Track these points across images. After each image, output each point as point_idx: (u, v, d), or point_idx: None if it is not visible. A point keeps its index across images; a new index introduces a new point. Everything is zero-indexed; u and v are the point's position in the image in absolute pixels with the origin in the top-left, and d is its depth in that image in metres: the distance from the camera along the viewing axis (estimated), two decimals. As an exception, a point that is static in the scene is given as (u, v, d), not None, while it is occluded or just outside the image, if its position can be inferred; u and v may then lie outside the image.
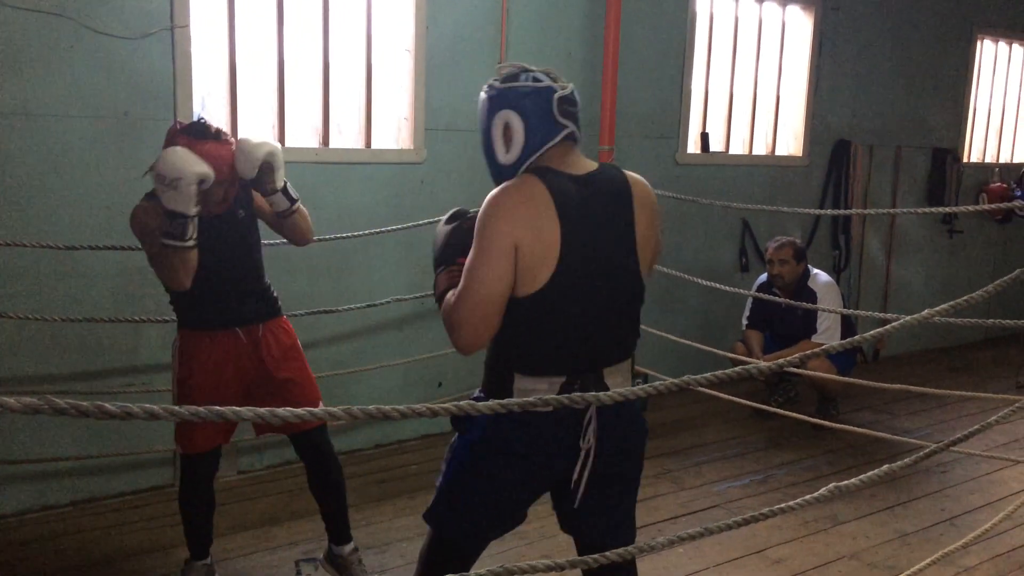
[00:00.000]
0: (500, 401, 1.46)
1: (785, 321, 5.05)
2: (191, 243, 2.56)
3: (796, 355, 1.78)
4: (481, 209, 1.94)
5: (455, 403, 1.37)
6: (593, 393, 1.55)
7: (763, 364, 1.69)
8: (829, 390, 5.05)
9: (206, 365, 2.83)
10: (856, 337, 1.94)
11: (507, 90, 1.98)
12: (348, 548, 3.09)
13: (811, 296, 4.93)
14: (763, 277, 5.19)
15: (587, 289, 1.98)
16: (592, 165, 2.05)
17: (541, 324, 1.97)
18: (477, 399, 2.06)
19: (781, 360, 1.72)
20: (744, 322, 5.24)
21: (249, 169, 2.67)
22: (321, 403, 2.98)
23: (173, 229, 2.53)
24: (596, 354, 2.03)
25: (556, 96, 1.97)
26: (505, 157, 1.99)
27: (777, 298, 4.82)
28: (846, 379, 4.65)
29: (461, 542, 2.13)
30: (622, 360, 2.08)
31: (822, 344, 4.84)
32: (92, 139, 3.55)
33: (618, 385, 2.04)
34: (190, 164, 2.48)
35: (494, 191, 1.94)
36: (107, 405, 1.07)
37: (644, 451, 2.19)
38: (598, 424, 2.01)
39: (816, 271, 5.13)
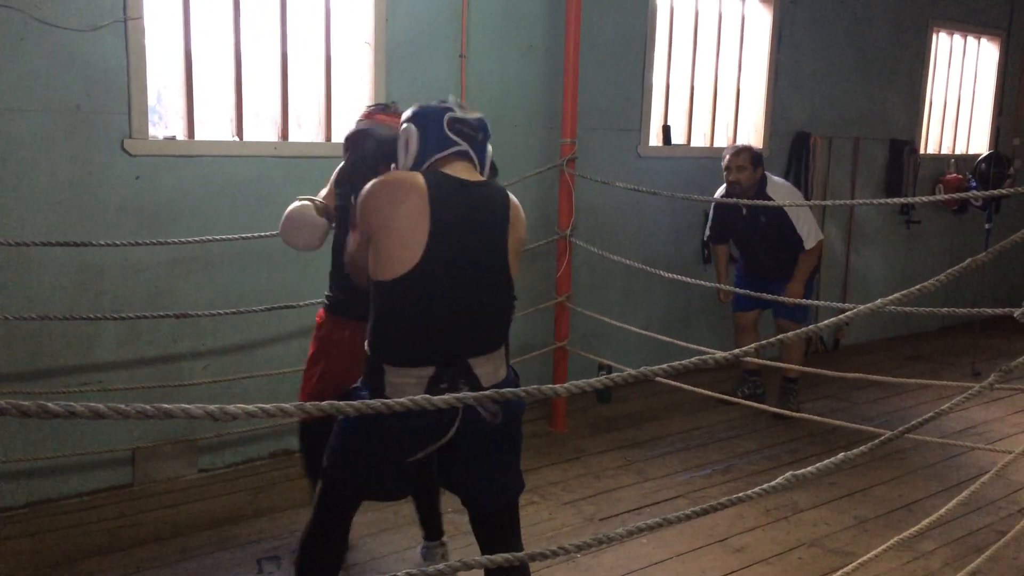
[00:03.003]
0: (456, 395, 1.45)
1: (753, 226, 4.98)
2: None
3: (753, 345, 1.79)
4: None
5: (410, 398, 1.36)
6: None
7: (719, 355, 1.70)
8: (794, 364, 5.04)
9: (339, 354, 2.90)
10: (801, 329, 1.96)
11: (416, 110, 2.33)
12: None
13: (771, 207, 4.83)
14: (721, 189, 5.11)
15: (453, 283, 2.18)
16: (480, 179, 2.33)
17: (406, 313, 2.18)
18: (356, 391, 2.29)
19: (737, 351, 1.73)
20: (707, 232, 5.22)
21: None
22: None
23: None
24: (462, 347, 2.21)
25: (447, 116, 2.30)
26: (403, 162, 2.32)
27: (742, 216, 4.87)
28: (807, 369, 4.70)
29: (340, 494, 2.35)
30: (492, 350, 2.26)
31: (811, 252, 4.92)
32: (43, 133, 3.47)
33: (489, 373, 2.24)
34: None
35: (378, 177, 2.26)
36: (49, 404, 1.05)
37: (520, 416, 2.37)
38: (465, 408, 2.16)
39: (773, 177, 5.06)
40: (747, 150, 4.94)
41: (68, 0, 3.45)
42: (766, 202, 4.71)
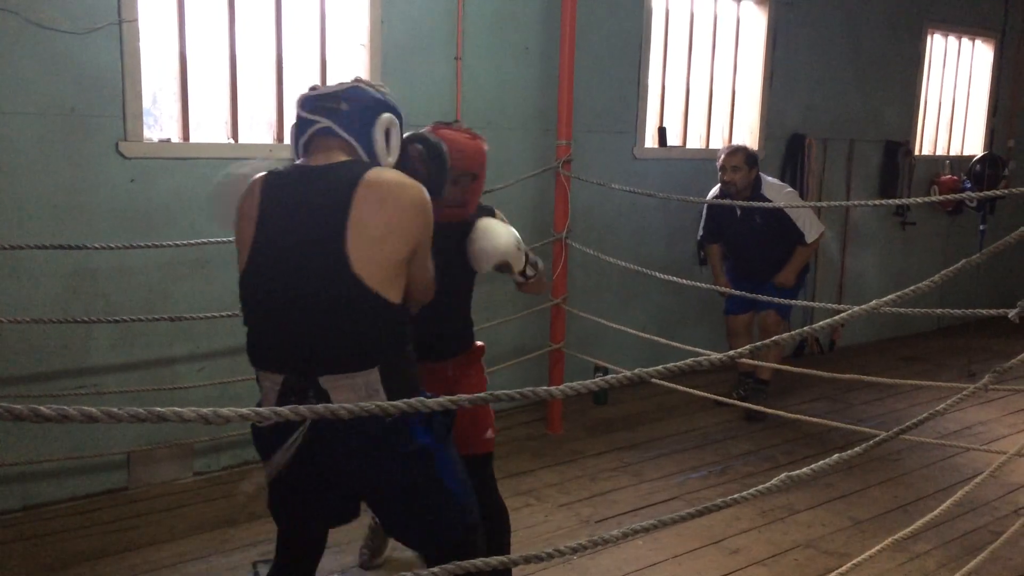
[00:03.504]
0: (453, 397, 1.44)
1: (746, 227, 4.96)
2: None
3: (748, 347, 1.79)
4: None
5: (405, 401, 1.36)
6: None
7: (715, 356, 1.70)
8: (769, 364, 4.98)
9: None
10: (795, 331, 1.96)
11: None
12: None
13: (766, 208, 4.84)
14: (714, 190, 5.10)
15: (277, 282, 2.02)
16: (336, 159, 2.08)
17: (248, 315, 2.10)
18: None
19: (732, 352, 1.73)
20: (700, 232, 5.21)
21: (483, 265, 2.53)
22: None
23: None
24: (309, 357, 1.98)
25: (301, 97, 2.13)
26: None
27: (736, 218, 4.89)
28: (799, 370, 4.69)
29: (281, 527, 2.28)
30: (350, 371, 1.97)
31: (810, 245, 4.97)
32: (38, 136, 3.46)
33: (345, 401, 1.93)
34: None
35: None
36: (42, 408, 1.04)
37: (405, 476, 2.08)
38: (317, 439, 1.97)
39: (767, 178, 5.07)
40: (742, 150, 4.94)
41: (63, 2, 3.44)
42: (764, 204, 4.72)
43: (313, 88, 2.14)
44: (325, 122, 2.08)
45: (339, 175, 2.02)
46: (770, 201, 4.85)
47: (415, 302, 2.17)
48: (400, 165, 2.16)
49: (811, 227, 4.96)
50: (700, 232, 5.27)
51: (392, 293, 2.00)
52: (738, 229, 5.03)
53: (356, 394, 1.97)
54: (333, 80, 4.24)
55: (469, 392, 2.49)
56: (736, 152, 4.93)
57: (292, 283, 1.99)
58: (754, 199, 4.86)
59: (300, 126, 2.12)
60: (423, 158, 2.31)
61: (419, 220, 2.03)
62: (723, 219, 5.09)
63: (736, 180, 4.89)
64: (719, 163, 4.97)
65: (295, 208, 2.03)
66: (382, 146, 2.12)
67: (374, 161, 2.10)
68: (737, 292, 4.51)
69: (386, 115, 2.13)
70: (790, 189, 5.22)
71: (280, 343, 2.03)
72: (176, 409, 1.13)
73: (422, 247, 2.08)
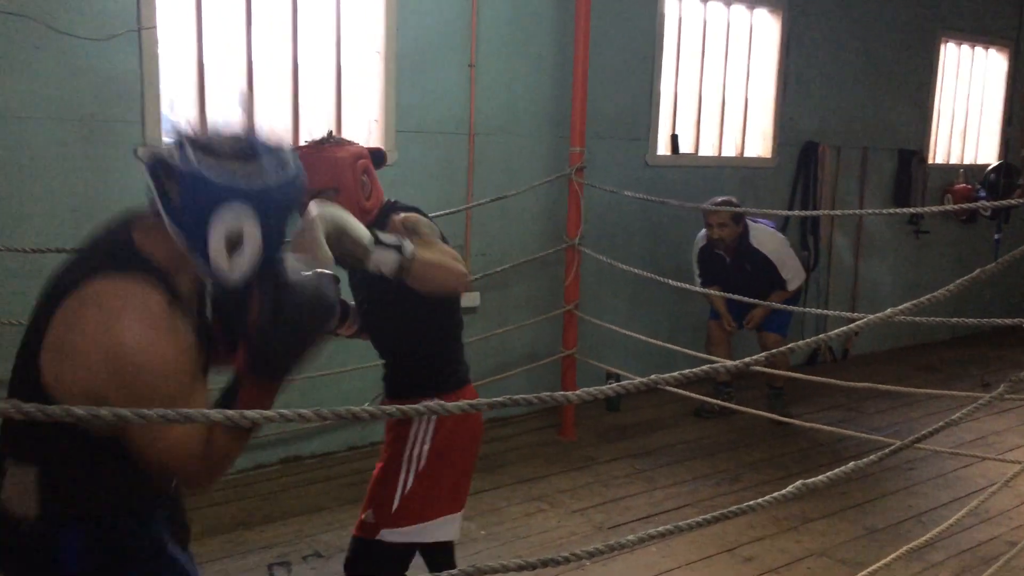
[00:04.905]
0: (469, 401, 1.46)
1: (738, 274, 4.94)
2: None
3: (763, 355, 1.79)
4: None
5: (424, 404, 1.37)
6: None
7: (728, 364, 1.71)
8: (778, 376, 5.01)
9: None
10: (809, 339, 1.96)
11: None
12: None
13: (755, 255, 4.90)
14: (702, 235, 5.07)
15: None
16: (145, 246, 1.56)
17: None
18: None
19: (748, 359, 1.74)
20: (697, 280, 5.18)
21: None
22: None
23: None
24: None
25: (143, 149, 1.62)
26: None
27: (726, 265, 4.91)
28: (791, 375, 4.70)
29: None
30: (14, 460, 1.56)
31: (792, 292, 4.99)
32: (58, 141, 3.50)
33: (13, 498, 1.54)
34: None
35: None
36: (75, 408, 1.06)
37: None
38: None
39: (755, 225, 5.04)
40: (728, 207, 4.86)
41: (83, 9, 3.49)
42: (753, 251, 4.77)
43: (177, 131, 1.60)
44: (152, 195, 1.54)
45: (71, 276, 1.52)
46: (758, 250, 4.94)
47: (163, 476, 1.62)
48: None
49: (795, 275, 5.04)
50: (698, 278, 5.21)
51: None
52: (729, 277, 4.98)
53: (24, 489, 1.54)
54: (349, 87, 4.29)
55: (390, 458, 2.27)
56: (722, 209, 4.86)
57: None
58: (742, 249, 4.95)
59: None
60: (269, 310, 1.53)
61: (112, 380, 1.43)
62: (713, 268, 5.09)
63: (724, 235, 4.92)
64: (705, 218, 4.95)
65: (45, 293, 1.56)
66: (219, 251, 1.50)
67: (215, 273, 1.53)
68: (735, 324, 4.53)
69: (232, 206, 1.49)
70: (779, 236, 5.18)
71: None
72: (202, 411, 1.15)
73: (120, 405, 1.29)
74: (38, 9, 3.39)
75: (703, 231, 5.06)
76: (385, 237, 1.97)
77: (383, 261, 1.94)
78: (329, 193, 2.10)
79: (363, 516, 2.33)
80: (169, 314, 1.48)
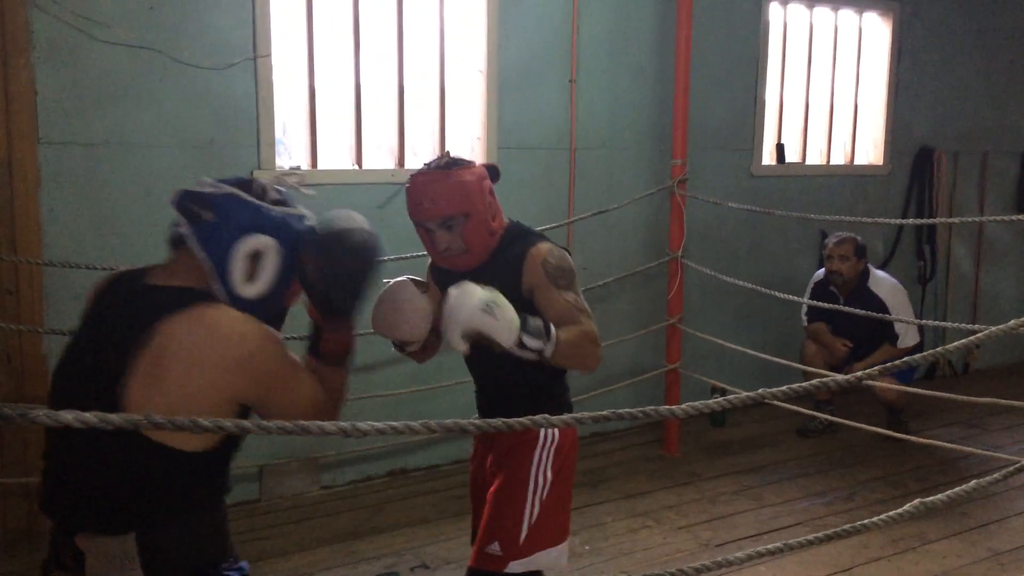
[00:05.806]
0: (574, 415, 1.47)
1: (847, 322, 4.75)
2: None
3: (875, 368, 1.74)
4: None
5: (529, 417, 1.39)
6: None
7: (840, 377, 1.67)
8: (895, 404, 4.87)
9: None
10: (927, 352, 1.88)
11: None
12: None
13: (872, 299, 4.72)
14: (820, 273, 5.01)
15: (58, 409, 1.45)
16: (174, 281, 1.69)
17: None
18: None
19: (860, 373, 1.69)
20: (804, 319, 5.06)
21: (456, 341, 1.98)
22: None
23: None
24: (67, 504, 1.63)
25: (177, 191, 1.78)
26: None
27: (840, 305, 4.45)
28: (909, 389, 4.54)
29: None
30: (101, 531, 1.58)
31: (900, 351, 4.70)
32: (181, 166, 3.70)
33: (97, 570, 1.57)
34: None
35: None
36: (156, 417, 1.13)
37: None
38: None
39: (876, 271, 4.93)
40: (851, 240, 4.82)
41: (203, 41, 3.68)
42: (873, 314, 4.35)
43: (201, 182, 1.77)
44: (184, 229, 1.70)
45: (152, 301, 1.64)
46: (876, 294, 4.76)
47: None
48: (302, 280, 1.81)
49: (908, 333, 4.79)
50: (804, 316, 5.09)
51: (186, 439, 1.57)
52: (839, 317, 4.71)
53: (110, 562, 1.57)
54: (453, 106, 4.37)
55: (502, 486, 2.21)
56: (845, 241, 4.81)
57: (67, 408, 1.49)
58: (859, 291, 4.77)
59: (174, 221, 1.75)
60: (316, 264, 1.80)
61: (238, 380, 1.60)
62: (825, 303, 4.86)
63: (843, 270, 4.80)
64: (826, 251, 4.89)
65: (93, 332, 1.68)
66: (241, 275, 1.68)
67: (230, 293, 1.69)
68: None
69: (256, 238, 1.69)
70: (901, 288, 4.96)
71: (52, 481, 1.65)
72: (318, 423, 1.20)
73: (261, 397, 1.66)
74: (163, 42, 3.59)
75: (821, 269, 4.99)
76: (531, 329, 1.98)
77: (522, 355, 2.00)
78: (460, 220, 2.15)
79: (484, 548, 2.21)
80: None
